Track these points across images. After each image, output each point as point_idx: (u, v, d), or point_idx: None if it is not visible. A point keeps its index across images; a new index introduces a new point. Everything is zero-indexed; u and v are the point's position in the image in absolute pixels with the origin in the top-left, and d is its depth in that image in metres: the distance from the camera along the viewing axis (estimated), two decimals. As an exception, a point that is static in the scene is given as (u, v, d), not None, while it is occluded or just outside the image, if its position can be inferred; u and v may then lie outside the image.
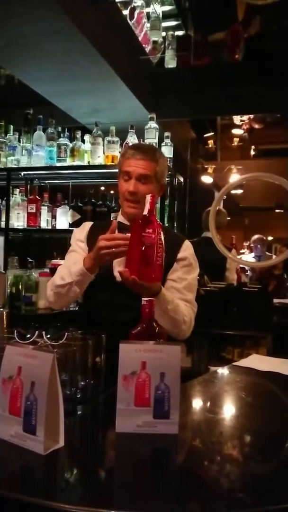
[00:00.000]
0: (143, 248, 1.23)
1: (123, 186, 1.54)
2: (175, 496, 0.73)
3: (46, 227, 3.24)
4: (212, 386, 1.33)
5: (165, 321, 1.38)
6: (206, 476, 0.79)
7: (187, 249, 1.60)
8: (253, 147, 9.98)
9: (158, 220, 1.33)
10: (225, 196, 3.96)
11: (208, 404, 1.21)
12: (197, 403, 1.22)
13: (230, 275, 3.58)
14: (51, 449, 0.81)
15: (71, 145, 3.16)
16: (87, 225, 1.68)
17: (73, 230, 1.72)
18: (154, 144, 2.91)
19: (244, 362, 1.57)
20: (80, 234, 1.64)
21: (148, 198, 1.28)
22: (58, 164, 3.16)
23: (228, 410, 1.17)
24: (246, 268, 4.51)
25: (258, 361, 1.58)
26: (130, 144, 2.88)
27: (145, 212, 1.26)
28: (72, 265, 1.51)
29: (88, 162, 3.14)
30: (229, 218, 3.91)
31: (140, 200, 1.50)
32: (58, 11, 2.53)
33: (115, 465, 0.86)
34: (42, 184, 3.45)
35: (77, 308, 2.60)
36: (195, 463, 0.85)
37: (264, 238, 5.98)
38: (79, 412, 1.02)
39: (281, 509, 0.68)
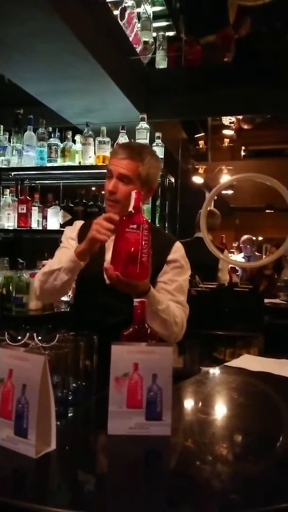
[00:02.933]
0: (127, 245, 1.21)
1: (106, 184, 1.52)
2: (167, 498, 0.72)
3: (37, 228, 3.22)
4: (204, 386, 1.33)
5: (156, 322, 1.37)
6: (198, 478, 0.79)
7: (177, 251, 1.57)
8: (243, 147, 10.04)
9: (147, 218, 1.31)
10: (216, 197, 3.97)
11: (200, 405, 1.21)
12: (189, 404, 1.22)
13: (222, 276, 3.60)
14: (42, 452, 0.80)
15: (62, 145, 3.15)
16: (78, 223, 1.67)
17: (64, 230, 1.72)
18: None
19: (235, 363, 1.57)
20: (71, 232, 1.63)
21: (133, 194, 1.26)
22: (49, 165, 3.15)
23: (220, 410, 1.17)
24: (237, 268, 4.54)
25: (250, 361, 1.59)
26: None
27: (130, 208, 1.24)
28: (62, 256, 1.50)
29: (79, 162, 3.14)
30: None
31: (120, 201, 1.48)
32: (49, 11, 2.52)
33: (107, 467, 0.85)
34: (32, 184, 3.44)
35: (68, 309, 2.59)
36: (187, 465, 0.85)
37: (253, 238, 6.02)
38: (70, 415, 1.02)
39: (273, 510, 0.68)
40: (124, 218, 1.24)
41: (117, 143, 2.97)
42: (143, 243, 1.22)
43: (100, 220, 1.35)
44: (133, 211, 1.24)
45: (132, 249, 1.21)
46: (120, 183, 1.48)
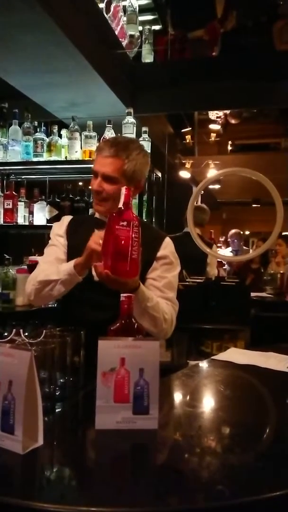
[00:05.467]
0: (117, 242, 1.20)
1: (91, 182, 1.50)
2: (155, 490, 0.73)
3: (23, 223, 3.20)
4: (191, 380, 1.34)
5: (146, 320, 1.37)
6: (185, 470, 0.80)
7: (167, 247, 1.56)
8: (230, 142, 10.09)
9: (136, 214, 1.30)
10: (202, 191, 3.99)
11: (187, 398, 1.22)
12: (176, 398, 1.23)
13: (211, 270, 3.62)
14: (29, 448, 0.80)
15: (47, 140, 3.12)
16: (66, 219, 1.64)
17: (51, 225, 1.70)
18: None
19: (222, 356, 1.59)
20: (59, 228, 1.61)
21: (123, 190, 1.24)
22: (35, 159, 3.12)
23: (207, 403, 1.18)
24: (224, 262, 4.56)
25: (236, 354, 1.60)
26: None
27: (120, 205, 1.22)
28: (55, 262, 1.49)
29: (65, 157, 3.12)
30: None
31: (108, 199, 1.47)
32: (33, 2, 2.48)
33: (95, 462, 0.86)
34: (18, 179, 3.41)
35: (55, 305, 2.58)
36: (174, 457, 0.86)
37: (241, 232, 6.06)
38: (58, 410, 1.02)
39: (258, 500, 0.69)
40: (114, 214, 1.22)
41: (103, 137, 2.96)
42: (133, 240, 1.20)
43: (97, 232, 1.33)
44: (122, 208, 1.22)
45: (122, 246, 1.19)
46: (105, 182, 1.46)
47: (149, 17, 4.50)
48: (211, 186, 7.59)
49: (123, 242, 1.19)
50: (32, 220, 3.19)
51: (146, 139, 3.07)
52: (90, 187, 1.56)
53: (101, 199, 1.48)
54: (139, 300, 1.33)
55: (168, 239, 1.59)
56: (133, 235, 1.20)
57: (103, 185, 1.46)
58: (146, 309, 1.37)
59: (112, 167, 1.45)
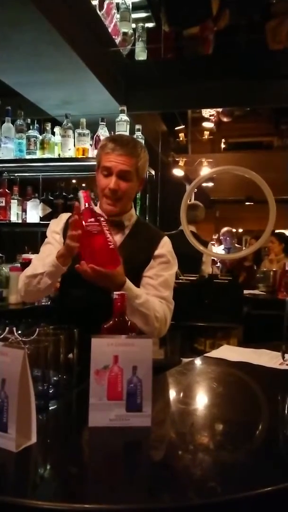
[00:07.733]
0: (91, 236, 1.25)
1: (102, 182, 1.48)
2: (148, 487, 0.74)
3: (17, 221, 3.19)
4: (184, 377, 1.35)
5: (137, 318, 1.36)
6: (178, 467, 0.80)
7: (165, 246, 1.56)
8: (223, 140, 10.11)
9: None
10: (196, 189, 3.99)
11: (181, 395, 1.23)
12: (169, 395, 1.23)
13: (206, 268, 3.63)
14: (23, 446, 0.80)
15: (40, 137, 3.11)
16: (64, 216, 1.63)
17: (44, 223, 1.70)
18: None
19: (215, 353, 1.60)
20: (56, 226, 1.60)
21: (80, 194, 1.32)
22: (28, 157, 3.11)
23: (200, 400, 1.19)
24: (216, 260, 4.58)
25: (229, 352, 1.61)
26: (102, 137, 2.86)
27: (82, 207, 1.30)
28: (46, 257, 1.49)
29: (59, 154, 3.11)
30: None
31: (122, 197, 1.47)
32: (26, 0, 2.47)
33: (88, 459, 0.86)
34: (11, 177, 3.39)
35: (49, 303, 2.58)
36: (167, 455, 0.87)
37: (233, 230, 6.08)
38: (51, 408, 1.02)
39: (250, 496, 0.70)
40: (80, 217, 1.29)
41: (97, 135, 2.95)
42: (106, 232, 1.26)
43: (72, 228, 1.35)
44: (85, 209, 1.29)
45: (97, 239, 1.25)
46: (120, 180, 1.45)
47: (142, 15, 4.49)
48: (204, 184, 7.60)
49: (97, 236, 1.25)
50: (25, 218, 3.18)
51: (140, 137, 3.07)
52: (84, 184, 1.56)
53: (117, 198, 1.47)
54: (128, 298, 1.33)
55: (166, 238, 1.59)
56: (103, 227, 1.26)
57: (119, 183, 1.45)
58: (136, 307, 1.37)
59: (128, 164, 1.45)
